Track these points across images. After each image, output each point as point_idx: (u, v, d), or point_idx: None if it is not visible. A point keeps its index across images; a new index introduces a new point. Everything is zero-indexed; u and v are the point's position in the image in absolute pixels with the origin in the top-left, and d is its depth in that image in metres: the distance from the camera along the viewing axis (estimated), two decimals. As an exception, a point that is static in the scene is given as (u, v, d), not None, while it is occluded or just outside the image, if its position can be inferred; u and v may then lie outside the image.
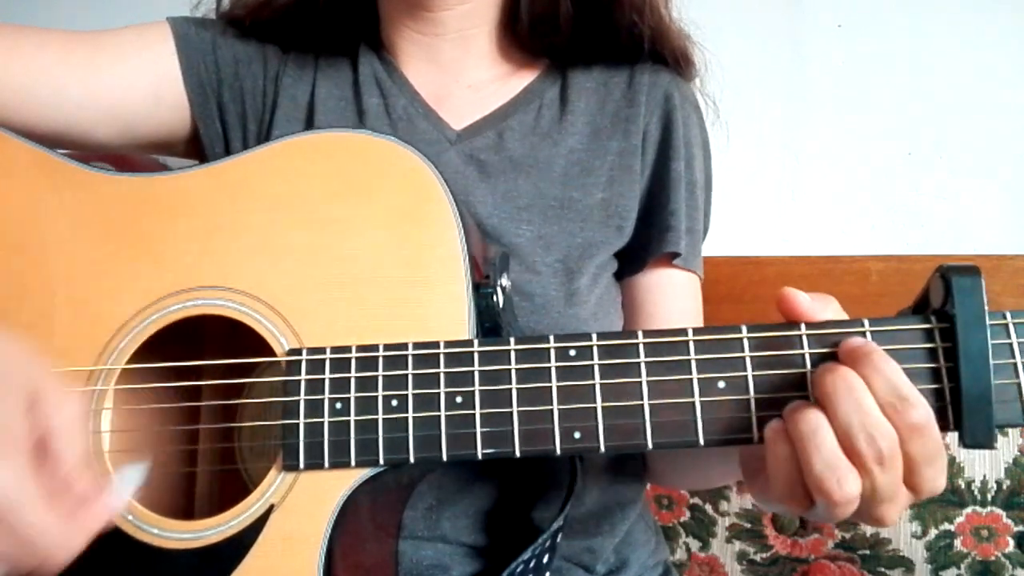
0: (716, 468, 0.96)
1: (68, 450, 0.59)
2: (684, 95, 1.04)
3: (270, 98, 1.02)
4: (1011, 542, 1.28)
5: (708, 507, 1.40)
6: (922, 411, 0.57)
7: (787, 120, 1.61)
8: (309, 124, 0.99)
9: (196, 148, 1.05)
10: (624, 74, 1.03)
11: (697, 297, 1.04)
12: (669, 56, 1.04)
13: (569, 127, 1.00)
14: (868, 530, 1.32)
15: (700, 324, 1.04)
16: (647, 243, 0.99)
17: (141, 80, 0.98)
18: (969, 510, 1.29)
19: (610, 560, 0.98)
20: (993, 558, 1.29)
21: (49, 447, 0.58)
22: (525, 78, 1.04)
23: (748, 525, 1.37)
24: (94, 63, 0.96)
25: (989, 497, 1.28)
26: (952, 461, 1.28)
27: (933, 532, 1.29)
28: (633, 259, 1.00)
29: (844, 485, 0.57)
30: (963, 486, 1.28)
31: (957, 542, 1.29)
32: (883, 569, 1.33)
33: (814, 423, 0.58)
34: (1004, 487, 1.27)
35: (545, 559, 0.83)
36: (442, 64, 1.02)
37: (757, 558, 1.38)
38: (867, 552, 1.33)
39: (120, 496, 0.62)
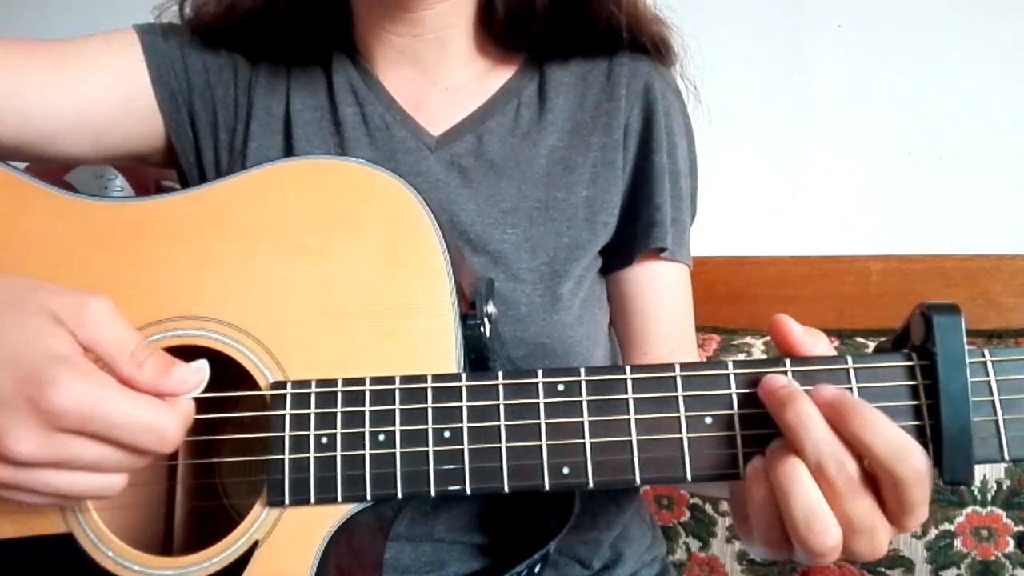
0: (710, 489, 0.96)
1: (116, 342, 0.61)
2: (665, 83, 1.02)
3: (243, 108, 1.00)
4: (1011, 542, 1.28)
5: (708, 507, 1.40)
6: (923, 460, 0.57)
7: (787, 120, 1.61)
8: (287, 136, 0.98)
9: (171, 158, 1.03)
10: (603, 66, 1.02)
11: (686, 287, 1.04)
12: (648, 42, 1.02)
13: (549, 125, 0.98)
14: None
15: (690, 314, 1.04)
16: (633, 238, 0.98)
17: (109, 89, 0.96)
18: (969, 510, 1.29)
19: (606, 555, 0.99)
20: (993, 558, 1.29)
21: (100, 352, 0.60)
22: (502, 76, 1.02)
23: (747, 527, 1.37)
24: (59, 73, 0.93)
25: (989, 497, 1.28)
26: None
27: (933, 532, 1.29)
28: (620, 254, 0.99)
29: (823, 536, 0.57)
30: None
31: (957, 542, 1.29)
32: (883, 569, 1.33)
33: (790, 468, 0.58)
34: (1004, 487, 1.27)
35: (537, 568, 0.84)
36: (420, 66, 1.00)
37: (757, 558, 1.38)
38: (867, 553, 1.33)
39: (195, 372, 0.63)
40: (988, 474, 1.28)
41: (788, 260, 1.55)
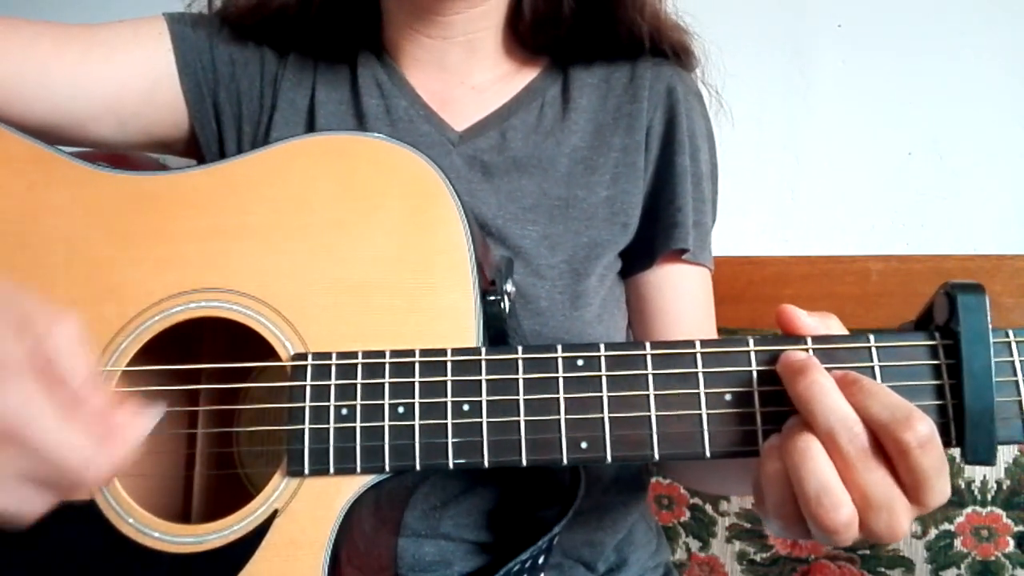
0: (732, 478, 0.96)
1: (73, 367, 0.56)
2: (687, 87, 1.03)
3: (268, 100, 1.01)
4: (1011, 542, 1.28)
5: (708, 507, 1.40)
6: (927, 424, 0.56)
7: (787, 120, 1.61)
8: (310, 128, 0.98)
9: (194, 147, 1.04)
10: (625, 69, 1.03)
11: (708, 290, 1.04)
12: (668, 49, 1.03)
13: (572, 125, 0.99)
14: (868, 530, 1.32)
15: (712, 317, 1.04)
16: (654, 240, 0.98)
17: (135, 77, 0.97)
18: (969, 510, 1.29)
19: (611, 559, 0.98)
20: (993, 558, 1.29)
21: (53, 370, 0.56)
22: (527, 76, 1.03)
23: (748, 525, 1.37)
24: (87, 58, 0.94)
25: (989, 497, 1.28)
26: (952, 461, 1.28)
27: (933, 532, 1.30)
28: (641, 256, 1.00)
29: (834, 512, 0.57)
30: (963, 486, 1.29)
31: (957, 542, 1.29)
32: (883, 569, 1.33)
33: (803, 444, 0.58)
34: (1004, 487, 1.28)
35: (541, 560, 0.84)
36: (447, 68, 1.01)
37: (757, 558, 1.38)
38: (867, 552, 1.33)
39: (143, 417, 0.59)
40: (988, 474, 1.28)
41: (788, 260, 1.54)
